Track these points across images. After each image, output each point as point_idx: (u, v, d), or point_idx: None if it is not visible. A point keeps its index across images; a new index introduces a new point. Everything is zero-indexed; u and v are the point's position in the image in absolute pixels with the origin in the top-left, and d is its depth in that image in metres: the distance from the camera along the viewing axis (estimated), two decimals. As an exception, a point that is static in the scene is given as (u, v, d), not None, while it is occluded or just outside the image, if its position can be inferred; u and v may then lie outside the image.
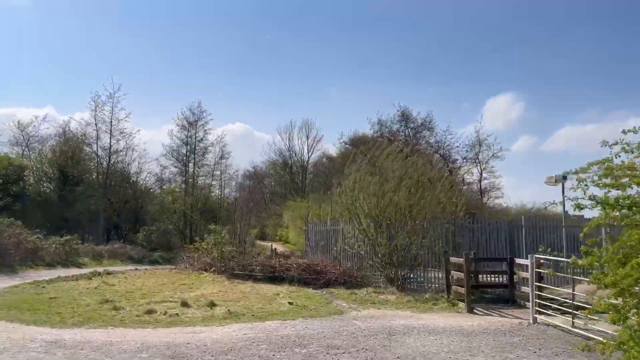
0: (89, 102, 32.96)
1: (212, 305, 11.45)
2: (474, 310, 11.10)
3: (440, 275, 15.18)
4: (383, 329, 9.05)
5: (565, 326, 8.81)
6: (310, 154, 56.31)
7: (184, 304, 11.44)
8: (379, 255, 14.90)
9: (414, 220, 14.93)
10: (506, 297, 12.40)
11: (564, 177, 17.84)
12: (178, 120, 35.15)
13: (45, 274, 17.54)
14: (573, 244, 16.58)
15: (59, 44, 67.56)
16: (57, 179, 32.10)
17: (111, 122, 32.36)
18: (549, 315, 9.68)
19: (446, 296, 12.20)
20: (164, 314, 10.46)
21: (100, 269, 19.08)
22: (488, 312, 11.15)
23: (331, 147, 66.75)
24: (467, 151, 38.65)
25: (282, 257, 17.10)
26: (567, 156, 64.82)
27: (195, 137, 34.72)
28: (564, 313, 9.82)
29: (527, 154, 65.09)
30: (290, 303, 12.05)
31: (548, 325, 9.33)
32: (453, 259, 12.55)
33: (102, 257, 23.76)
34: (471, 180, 38.80)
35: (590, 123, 67.19)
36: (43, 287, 14.16)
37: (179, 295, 12.75)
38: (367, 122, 42.52)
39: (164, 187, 36.37)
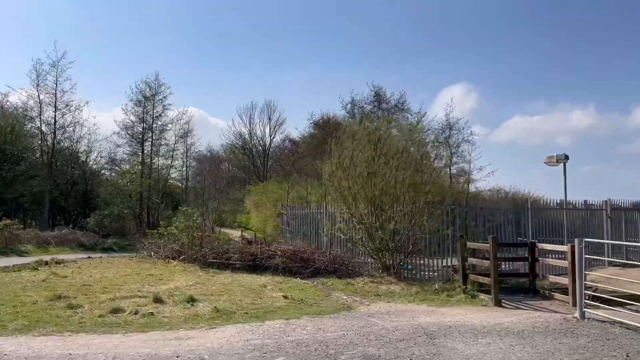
0: (30, 71, 29.43)
1: (192, 300, 9.47)
2: (502, 303, 9.64)
3: (437, 262, 13.75)
4: (415, 330, 7.39)
5: (634, 323, 7.41)
6: (272, 137, 53.92)
7: (157, 300, 9.38)
8: (377, 241, 13.26)
9: (415, 202, 13.40)
10: (526, 287, 11.06)
11: (566, 157, 16.90)
12: (132, 94, 31.92)
13: (-21, 264, 14.90)
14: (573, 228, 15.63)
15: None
16: (-7, 157, 28.58)
17: (55, 93, 29.05)
18: (597, 308, 8.32)
19: (462, 286, 10.69)
20: (135, 313, 8.38)
21: (46, 258, 16.48)
22: (517, 305, 9.72)
23: (294, 130, 64.72)
24: (436, 135, 37.59)
25: (263, 243, 15.17)
26: (515, 146, 65.53)
27: (153, 114, 31.67)
28: (604, 302, 8.53)
29: (478, 144, 64.97)
30: (284, 297, 10.21)
31: (603, 321, 7.95)
32: (470, 244, 11.06)
33: (48, 244, 20.98)
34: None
35: (538, 114, 68.20)
36: (-24, 280, 11.69)
37: (148, 289, 10.66)
38: (340, 102, 39.88)
39: (117, 168, 33.31)
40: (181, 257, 14.90)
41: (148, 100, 31.60)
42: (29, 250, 19.61)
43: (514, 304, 9.84)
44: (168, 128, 32.43)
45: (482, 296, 10.20)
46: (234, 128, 53.94)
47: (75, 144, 31.62)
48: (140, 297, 9.73)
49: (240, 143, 54.44)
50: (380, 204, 13.54)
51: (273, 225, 27.81)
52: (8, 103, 29.87)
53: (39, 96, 28.90)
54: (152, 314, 8.41)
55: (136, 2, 69.53)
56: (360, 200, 13.73)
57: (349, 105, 34.69)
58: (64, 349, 6.20)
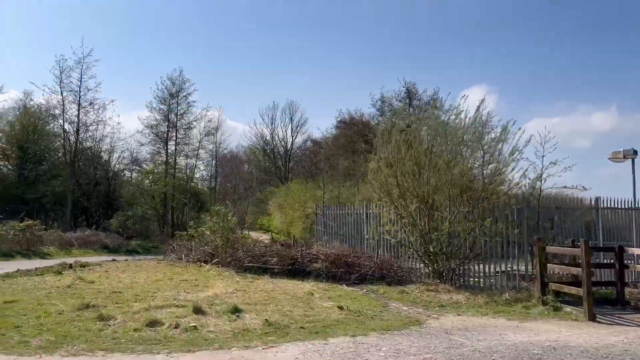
0: (53, 67, 28.76)
1: (236, 311, 8.29)
2: (596, 318, 8.27)
3: (499, 268, 12.37)
4: (516, 354, 6.09)
5: None
6: (294, 138, 52.94)
7: (198, 310, 8.21)
8: (431, 244, 11.96)
9: (471, 201, 12.11)
10: (612, 298, 9.66)
11: (635, 152, 15.34)
12: (158, 90, 31.01)
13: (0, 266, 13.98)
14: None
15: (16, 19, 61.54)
16: (15, 156, 27.97)
17: (80, 91, 28.29)
18: None
19: (540, 296, 9.32)
20: (176, 327, 7.22)
21: (70, 260, 15.48)
22: (613, 320, 8.34)
23: (316, 130, 63.73)
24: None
25: (304, 246, 13.96)
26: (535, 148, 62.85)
27: (177, 111, 30.71)
28: None
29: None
30: (339, 307, 8.97)
31: None
32: (551, 249, 9.68)
33: (71, 245, 20.12)
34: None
35: (557, 116, 65.86)
36: (-4, 284, 10.69)
37: (185, 297, 9.50)
38: (370, 98, 38.28)
39: (139, 167, 32.51)
40: (214, 261, 13.78)
41: (172, 97, 30.72)
42: (52, 252, 18.75)
43: (607, 318, 8.46)
44: (193, 126, 31.52)
45: (567, 308, 8.84)
46: (255, 129, 53.19)
47: (97, 143, 30.89)
48: (177, 306, 8.58)
49: (261, 144, 53.64)
50: (432, 203, 12.28)
51: (301, 227, 26.52)
52: (31, 102, 29.30)
53: (61, 93, 28.19)
54: (195, 327, 7.24)
55: (146, 6, 69.17)
56: (410, 199, 12.45)
57: (379, 102, 33.37)
58: (98, 375, 5.06)
